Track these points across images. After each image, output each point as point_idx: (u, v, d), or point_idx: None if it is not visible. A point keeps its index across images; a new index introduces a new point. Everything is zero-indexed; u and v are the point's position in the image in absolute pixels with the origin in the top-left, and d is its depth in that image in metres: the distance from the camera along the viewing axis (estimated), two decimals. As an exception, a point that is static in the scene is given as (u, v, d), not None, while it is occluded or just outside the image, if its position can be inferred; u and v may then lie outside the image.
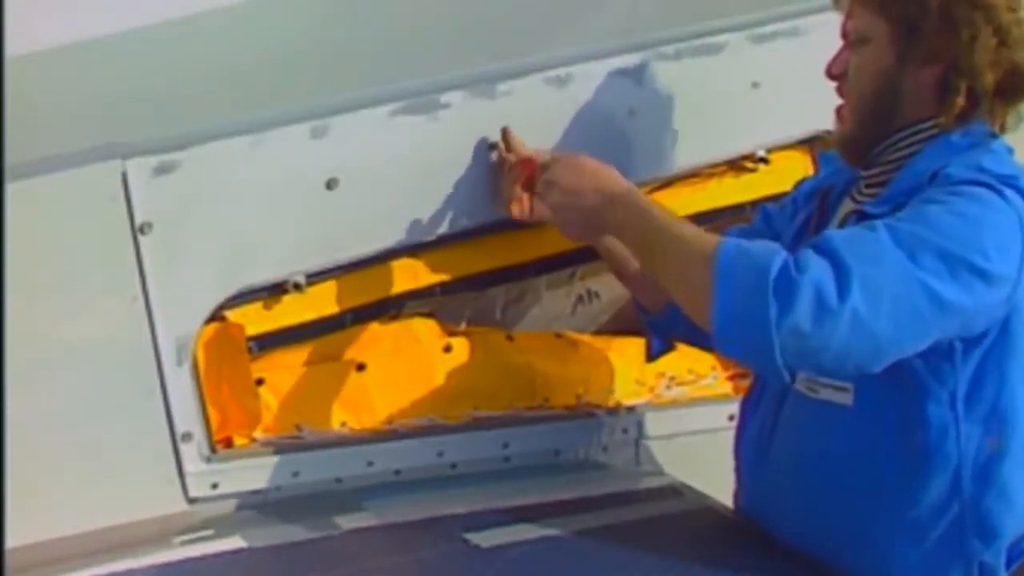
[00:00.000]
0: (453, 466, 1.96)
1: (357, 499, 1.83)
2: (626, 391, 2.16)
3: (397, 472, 1.92)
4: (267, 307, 1.88)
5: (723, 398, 2.20)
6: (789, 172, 2.20)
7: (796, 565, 1.71)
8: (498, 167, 1.92)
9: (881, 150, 1.70)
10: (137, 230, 1.70)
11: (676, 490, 1.99)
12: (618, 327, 2.27)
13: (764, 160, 2.22)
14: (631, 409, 2.14)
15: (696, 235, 1.56)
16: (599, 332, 2.29)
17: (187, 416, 1.76)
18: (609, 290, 2.27)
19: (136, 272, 1.71)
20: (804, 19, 2.13)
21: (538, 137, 1.92)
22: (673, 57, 2.05)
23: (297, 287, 1.86)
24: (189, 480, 1.76)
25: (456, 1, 2.29)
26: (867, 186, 1.73)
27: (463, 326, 2.12)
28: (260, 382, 1.87)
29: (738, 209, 2.20)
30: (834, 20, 1.75)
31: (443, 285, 2.02)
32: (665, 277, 1.59)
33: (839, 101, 1.73)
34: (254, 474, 1.82)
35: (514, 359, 2.08)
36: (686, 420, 2.17)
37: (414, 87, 1.89)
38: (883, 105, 1.67)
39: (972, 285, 1.51)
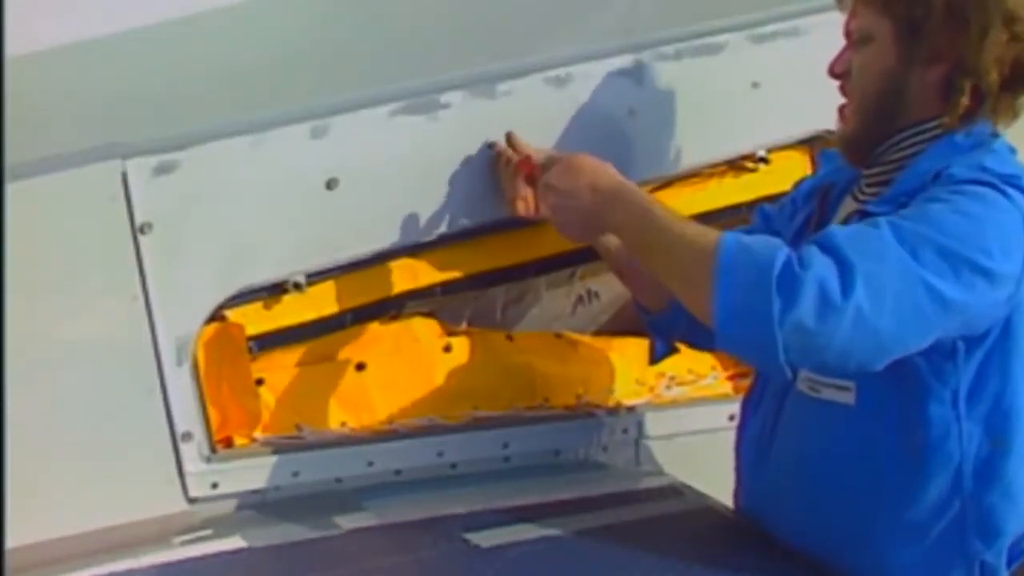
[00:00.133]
0: (453, 466, 1.96)
1: (357, 499, 1.83)
2: (626, 391, 2.16)
3: (397, 472, 1.92)
4: (267, 307, 1.88)
5: (723, 398, 2.19)
6: (789, 172, 2.20)
7: (796, 565, 1.71)
8: (501, 166, 1.91)
9: (884, 149, 1.70)
10: (137, 230, 1.70)
11: (676, 490, 1.99)
12: (618, 327, 2.27)
13: (764, 160, 2.22)
14: (631, 409, 2.14)
15: (696, 232, 1.55)
16: (599, 332, 2.29)
17: (187, 416, 1.76)
18: (609, 290, 2.27)
19: (136, 272, 1.71)
20: (804, 19, 2.13)
21: (538, 137, 1.92)
22: (673, 57, 2.05)
23: (297, 287, 1.86)
24: (189, 480, 1.76)
25: (456, 1, 2.29)
26: (869, 185, 1.73)
27: (463, 326, 2.12)
28: (260, 382, 1.87)
29: (738, 209, 2.20)
30: (834, 20, 1.75)
31: (443, 285, 2.02)
32: (666, 274, 1.59)
33: (839, 101, 1.73)
34: (254, 474, 1.82)
35: (514, 359, 2.08)
36: (686, 420, 2.17)
37: (414, 87, 1.89)
38: (886, 105, 1.67)
39: (974, 284, 1.51)
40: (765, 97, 2.13)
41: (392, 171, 1.88)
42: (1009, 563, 1.66)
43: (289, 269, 1.85)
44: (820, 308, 1.44)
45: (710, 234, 1.53)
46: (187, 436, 1.76)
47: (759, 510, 1.81)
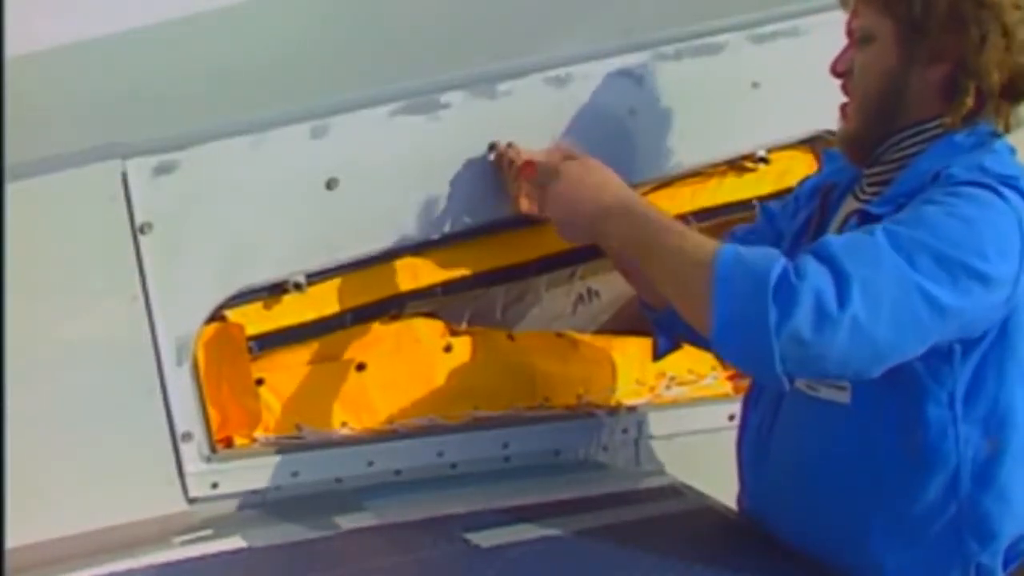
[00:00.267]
0: (453, 466, 1.96)
1: (357, 499, 1.83)
2: (627, 391, 2.16)
3: (397, 472, 1.92)
4: (267, 307, 1.87)
5: (723, 398, 2.19)
6: (789, 172, 2.20)
7: (796, 565, 1.71)
8: (504, 167, 1.91)
9: (885, 149, 1.70)
10: (137, 230, 1.70)
11: (676, 490, 1.99)
12: (618, 326, 2.27)
13: (764, 160, 2.21)
14: (632, 409, 2.14)
15: (694, 243, 1.56)
16: (599, 331, 2.29)
17: (187, 416, 1.76)
18: (609, 289, 2.27)
19: (136, 272, 1.71)
20: (804, 19, 2.13)
21: (538, 137, 1.92)
22: (673, 57, 2.05)
23: (297, 287, 1.86)
24: (189, 480, 1.76)
25: (456, 1, 2.29)
26: (870, 185, 1.73)
27: (463, 326, 2.12)
28: (260, 382, 1.87)
29: (738, 208, 2.20)
30: (834, 20, 1.75)
31: (443, 285, 2.02)
32: (664, 284, 1.60)
33: (840, 101, 1.73)
34: (254, 474, 1.82)
35: (515, 359, 2.08)
36: (687, 420, 2.16)
37: (414, 87, 1.89)
38: (888, 104, 1.67)
39: (971, 289, 1.51)
40: (765, 97, 2.13)
41: (392, 171, 1.88)
42: (1005, 565, 1.66)
43: (289, 269, 1.85)
44: (816, 319, 1.44)
45: (708, 245, 1.54)
46: (187, 436, 1.76)
47: (761, 510, 1.81)
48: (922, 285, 1.49)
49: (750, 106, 2.14)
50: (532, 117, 1.94)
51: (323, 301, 1.92)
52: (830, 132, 1.93)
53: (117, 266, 1.71)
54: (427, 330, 2.04)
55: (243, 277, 1.81)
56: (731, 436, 1.88)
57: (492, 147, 1.92)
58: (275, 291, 1.86)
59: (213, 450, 1.79)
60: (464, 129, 1.91)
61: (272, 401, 1.88)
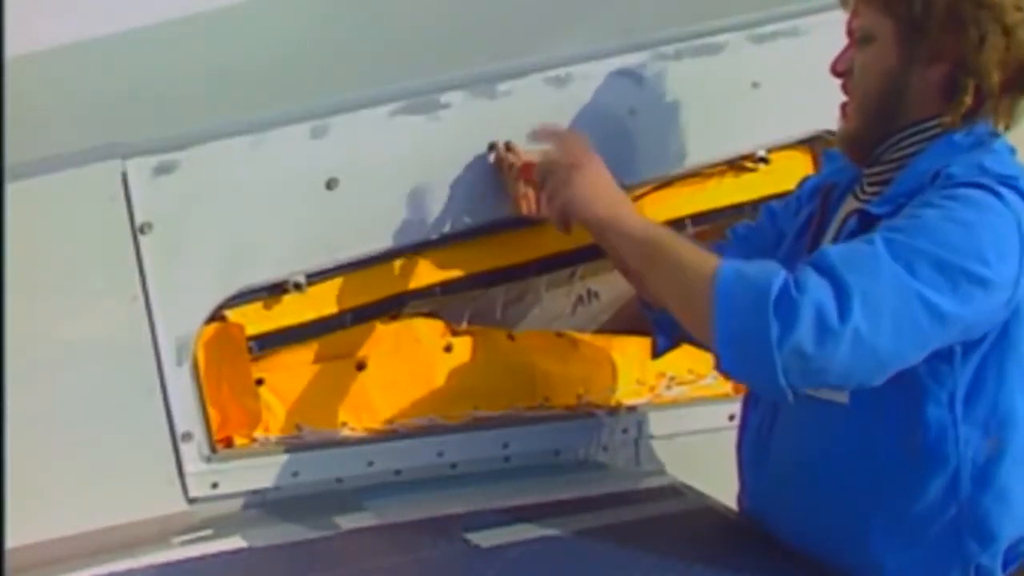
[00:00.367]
0: (453, 466, 1.96)
1: (357, 499, 1.83)
2: (627, 391, 2.16)
3: (397, 472, 1.92)
4: (267, 307, 1.87)
5: (723, 398, 2.19)
6: (789, 172, 2.19)
7: (796, 565, 1.70)
8: (504, 169, 1.91)
9: (884, 148, 1.69)
10: (137, 230, 1.71)
11: (676, 490, 1.99)
12: (618, 327, 2.27)
13: (764, 160, 2.21)
14: (632, 409, 2.14)
15: (695, 258, 1.57)
16: (599, 331, 2.29)
17: (187, 416, 1.76)
18: (609, 290, 2.27)
19: (136, 272, 1.71)
20: (804, 19, 2.13)
21: (538, 137, 1.92)
22: (673, 57, 2.05)
23: (297, 287, 1.86)
24: (189, 480, 1.76)
25: (456, 1, 2.29)
26: (869, 184, 1.72)
27: (463, 326, 2.12)
28: (260, 382, 1.87)
29: (738, 209, 2.20)
30: (834, 20, 1.75)
31: (443, 285, 2.02)
32: (666, 299, 1.63)
33: (839, 101, 1.73)
34: (254, 474, 1.82)
35: (515, 358, 2.08)
36: (687, 420, 2.17)
37: (414, 87, 1.90)
38: (888, 104, 1.67)
39: (971, 294, 1.51)
40: (765, 97, 2.13)
41: (392, 171, 1.88)
42: (1005, 566, 1.65)
43: (289, 269, 1.85)
44: (818, 333, 1.45)
45: (709, 260, 1.55)
46: (187, 436, 1.76)
47: (761, 510, 1.81)
48: (922, 293, 1.49)
49: (750, 106, 2.14)
50: (532, 117, 1.93)
51: (323, 301, 1.92)
52: (830, 132, 1.93)
53: (117, 266, 1.71)
54: (427, 330, 2.04)
55: (243, 277, 1.81)
56: (731, 436, 1.88)
57: (492, 147, 1.92)
58: (275, 291, 1.86)
59: (213, 450, 1.79)
60: (464, 129, 1.91)
61: (272, 401, 1.88)
